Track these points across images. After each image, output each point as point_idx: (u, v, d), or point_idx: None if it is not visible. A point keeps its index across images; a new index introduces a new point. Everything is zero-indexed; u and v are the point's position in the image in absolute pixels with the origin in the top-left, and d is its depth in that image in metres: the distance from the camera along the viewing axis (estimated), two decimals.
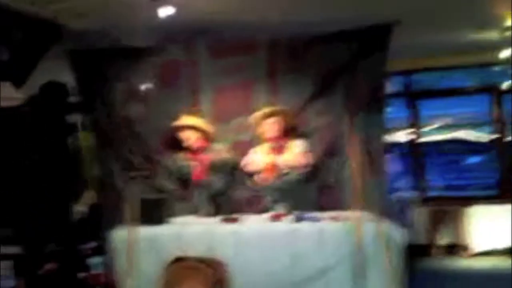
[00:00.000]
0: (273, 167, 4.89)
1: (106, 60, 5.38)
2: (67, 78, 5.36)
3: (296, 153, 4.91)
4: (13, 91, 4.93)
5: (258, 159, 4.99)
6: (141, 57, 5.35)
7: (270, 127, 4.95)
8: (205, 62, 5.30)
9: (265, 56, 5.26)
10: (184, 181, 5.14)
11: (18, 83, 5.00)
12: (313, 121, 5.18)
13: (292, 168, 4.90)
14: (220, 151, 5.07)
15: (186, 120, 5.04)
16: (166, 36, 5.38)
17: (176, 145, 5.10)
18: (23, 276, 5.03)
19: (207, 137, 5.09)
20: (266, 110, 4.98)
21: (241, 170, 5.08)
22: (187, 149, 5.07)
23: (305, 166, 4.95)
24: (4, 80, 4.97)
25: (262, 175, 4.97)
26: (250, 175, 5.06)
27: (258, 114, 5.00)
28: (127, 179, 4.91)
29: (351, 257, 4.03)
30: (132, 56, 5.37)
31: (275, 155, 4.93)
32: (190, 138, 5.01)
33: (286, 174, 4.91)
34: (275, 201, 4.88)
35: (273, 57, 5.25)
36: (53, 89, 5.40)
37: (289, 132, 5.05)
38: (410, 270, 5.36)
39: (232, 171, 5.11)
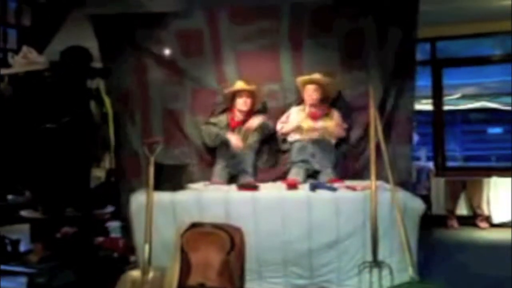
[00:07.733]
0: (309, 131, 4.97)
1: (128, 25, 5.36)
2: (90, 43, 5.37)
3: (331, 122, 4.98)
4: (36, 56, 4.97)
5: (295, 121, 5.05)
6: (163, 23, 5.30)
7: (311, 93, 4.99)
8: (227, 28, 5.23)
9: (287, 21, 5.16)
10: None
11: (40, 48, 5.03)
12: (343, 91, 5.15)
13: (325, 136, 4.97)
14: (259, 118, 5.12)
15: (242, 85, 5.05)
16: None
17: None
18: (41, 240, 5.18)
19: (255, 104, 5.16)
20: (308, 76, 5.00)
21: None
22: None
23: (338, 136, 5.04)
24: (27, 45, 5.01)
25: (295, 137, 5.04)
26: (284, 138, 5.17)
27: (300, 78, 5.03)
28: (142, 145, 4.95)
29: (366, 226, 4.04)
30: (154, 21, 5.32)
31: (312, 120, 4.99)
32: (247, 102, 5.05)
33: (318, 140, 4.96)
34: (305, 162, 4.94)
35: (296, 22, 5.14)
36: (76, 53, 5.41)
37: (327, 100, 5.08)
38: (427, 241, 5.41)
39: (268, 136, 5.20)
